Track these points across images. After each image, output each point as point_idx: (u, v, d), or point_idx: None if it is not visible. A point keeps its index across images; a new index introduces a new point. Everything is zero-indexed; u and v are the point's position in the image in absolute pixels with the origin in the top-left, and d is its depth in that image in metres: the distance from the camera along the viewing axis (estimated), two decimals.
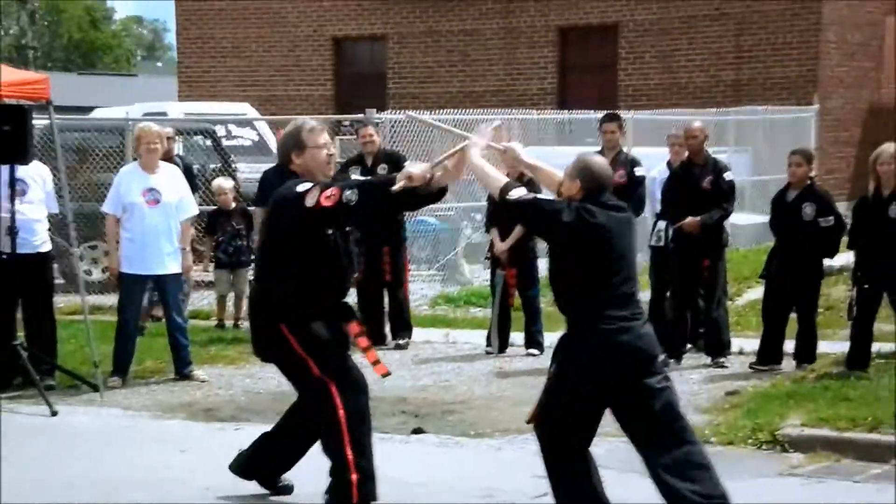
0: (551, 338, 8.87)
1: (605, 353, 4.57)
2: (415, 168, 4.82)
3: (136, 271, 8.11)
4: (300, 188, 4.87)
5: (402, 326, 9.73)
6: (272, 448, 5.37)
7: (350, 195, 4.74)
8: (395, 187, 4.73)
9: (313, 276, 4.93)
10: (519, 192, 4.67)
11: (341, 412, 4.91)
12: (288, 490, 5.43)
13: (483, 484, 5.60)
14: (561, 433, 4.75)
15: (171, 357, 8.33)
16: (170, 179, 8.25)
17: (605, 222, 4.62)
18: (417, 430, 6.82)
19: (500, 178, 4.80)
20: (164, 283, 8.21)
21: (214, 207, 11.00)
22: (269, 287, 5.00)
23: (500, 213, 8.30)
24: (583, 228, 4.59)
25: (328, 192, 4.78)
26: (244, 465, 5.41)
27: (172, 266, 8.17)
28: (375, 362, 5.15)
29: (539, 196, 4.83)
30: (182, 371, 8.25)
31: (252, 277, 10.90)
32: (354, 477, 4.91)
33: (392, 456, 6.23)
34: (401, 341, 9.61)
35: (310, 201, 4.78)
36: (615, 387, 4.63)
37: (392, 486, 5.39)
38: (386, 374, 5.21)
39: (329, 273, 4.99)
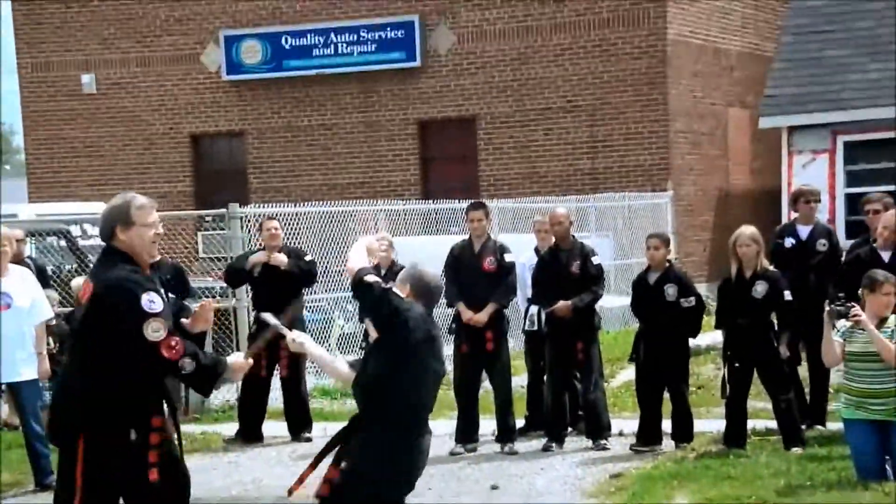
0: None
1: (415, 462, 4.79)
2: (237, 360, 4.88)
3: None
4: (146, 304, 4.59)
5: (306, 422, 9.48)
6: None
7: (187, 364, 4.62)
8: (224, 375, 4.77)
9: (125, 375, 4.67)
10: (374, 278, 4.90)
11: None
12: None
13: None
14: None
15: (31, 468, 7.83)
16: (20, 282, 7.94)
17: (425, 336, 4.78)
18: None
19: (360, 262, 4.98)
20: (18, 391, 7.79)
21: (71, 309, 10.50)
22: (74, 382, 4.75)
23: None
24: (420, 335, 4.75)
25: (173, 342, 4.60)
26: None
27: (27, 372, 7.80)
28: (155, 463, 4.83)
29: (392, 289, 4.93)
30: (43, 482, 7.76)
31: None
32: None
33: None
34: (307, 434, 9.36)
35: (151, 334, 4.58)
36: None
37: None
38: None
39: (140, 373, 4.74)
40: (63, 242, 12.93)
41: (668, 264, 8.58)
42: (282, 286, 9.19)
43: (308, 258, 9.81)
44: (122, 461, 4.72)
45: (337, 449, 4.91)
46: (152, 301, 4.61)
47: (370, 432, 4.75)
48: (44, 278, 10.44)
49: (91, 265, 12.80)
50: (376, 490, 4.73)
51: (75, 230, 13.73)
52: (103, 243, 4.86)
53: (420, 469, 4.86)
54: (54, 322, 9.60)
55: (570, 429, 8.90)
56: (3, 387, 8.07)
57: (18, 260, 10.25)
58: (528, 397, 9.35)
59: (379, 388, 4.73)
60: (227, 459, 8.69)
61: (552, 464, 8.11)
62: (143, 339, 4.58)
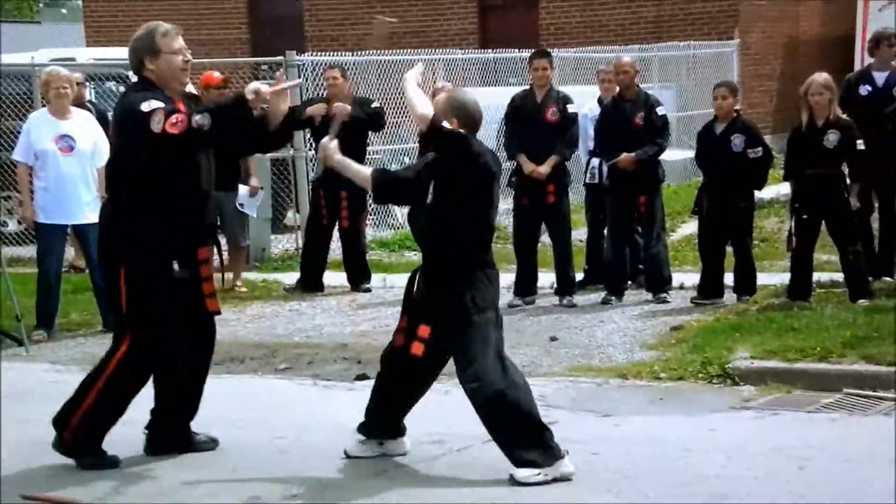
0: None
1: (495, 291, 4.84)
2: (260, 84, 4.70)
3: (54, 220, 7.79)
4: (144, 106, 4.59)
5: (364, 273, 9.50)
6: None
7: (201, 119, 4.51)
8: (254, 110, 4.60)
9: (168, 201, 4.73)
10: (447, 124, 4.76)
11: (113, 363, 4.86)
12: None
13: (432, 429, 5.46)
14: None
15: (98, 309, 7.99)
16: (83, 125, 7.92)
17: (497, 171, 4.87)
18: (361, 377, 6.62)
19: (427, 106, 4.80)
20: (85, 233, 7.86)
21: None
22: (118, 210, 4.81)
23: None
24: (497, 170, 4.85)
25: (174, 118, 4.52)
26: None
27: (92, 215, 7.82)
28: (211, 294, 4.96)
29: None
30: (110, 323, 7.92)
31: None
32: (74, 421, 4.91)
33: (336, 402, 6.09)
34: (366, 285, 9.39)
35: (154, 126, 4.53)
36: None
37: (339, 433, 5.24)
38: (216, 312, 5.02)
39: (188, 197, 4.78)
40: (121, 88, 12.88)
41: (735, 114, 8.36)
42: (345, 134, 9.06)
43: (375, 105, 9.67)
44: (168, 294, 4.75)
45: (408, 304, 4.93)
46: (150, 104, 4.58)
47: (449, 272, 4.76)
48: (104, 123, 10.44)
49: None
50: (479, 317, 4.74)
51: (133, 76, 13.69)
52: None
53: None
54: None
55: (629, 282, 8.85)
56: (69, 229, 8.15)
57: (79, 104, 10.25)
58: (587, 251, 9.28)
59: (459, 225, 4.74)
60: (289, 307, 8.79)
61: (611, 316, 8.10)
62: (154, 137, 4.53)
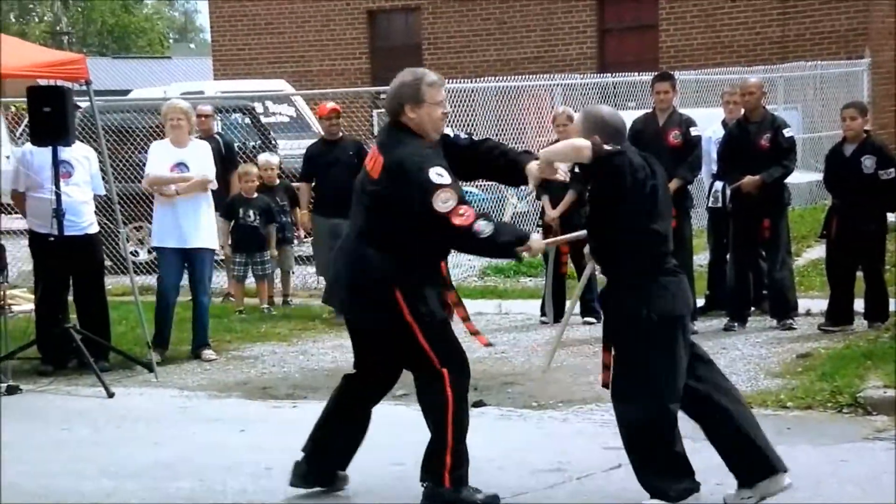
0: None
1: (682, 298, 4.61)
2: (535, 246, 4.73)
3: (169, 245, 8.02)
4: (434, 177, 4.53)
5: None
6: (329, 443, 5.04)
7: (484, 227, 4.53)
8: (518, 249, 4.64)
9: (424, 241, 4.68)
10: (606, 146, 4.50)
11: (450, 397, 4.71)
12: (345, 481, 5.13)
13: (552, 457, 5.42)
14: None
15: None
16: (199, 155, 8.15)
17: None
18: (478, 403, 6.61)
19: (583, 140, 4.55)
20: (194, 259, 8.07)
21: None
22: (380, 249, 4.67)
23: (550, 181, 8.04)
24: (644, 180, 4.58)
25: (463, 209, 4.52)
26: (305, 475, 5.04)
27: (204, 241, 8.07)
28: (475, 333, 4.94)
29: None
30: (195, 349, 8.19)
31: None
32: (449, 461, 4.70)
33: None
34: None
35: (440, 205, 4.52)
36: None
37: None
38: (489, 345, 5.03)
39: (438, 239, 4.71)
40: (247, 119, 13.23)
41: (865, 135, 8.12)
42: None
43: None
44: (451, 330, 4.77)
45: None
46: (440, 174, 4.57)
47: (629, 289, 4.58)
48: (231, 154, 10.75)
49: (272, 141, 13.19)
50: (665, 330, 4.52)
51: (258, 107, 14.04)
52: (390, 118, 4.77)
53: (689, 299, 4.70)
54: (255, 196, 9.93)
55: (753, 308, 8.65)
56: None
57: (208, 136, 10.59)
58: (709, 276, 9.12)
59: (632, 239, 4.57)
60: None
61: (734, 343, 7.92)
62: (434, 212, 4.53)
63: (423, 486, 4.80)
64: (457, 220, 4.52)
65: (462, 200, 4.55)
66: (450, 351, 4.76)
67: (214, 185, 8.23)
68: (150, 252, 11.06)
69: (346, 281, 4.77)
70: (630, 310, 4.52)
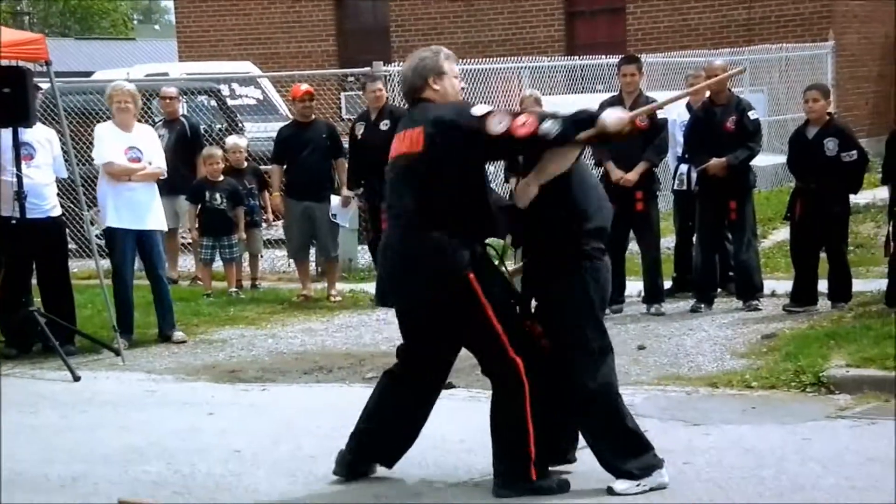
0: None
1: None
2: (610, 119, 4.48)
3: (124, 225, 7.95)
4: (476, 111, 4.51)
5: None
6: (380, 439, 4.96)
7: (550, 127, 4.42)
8: (583, 135, 4.48)
9: (475, 217, 4.57)
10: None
11: (526, 388, 4.59)
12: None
13: None
14: None
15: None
16: (149, 140, 8.12)
17: None
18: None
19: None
20: (147, 238, 8.03)
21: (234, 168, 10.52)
22: (442, 228, 4.50)
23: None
24: None
25: (521, 119, 4.43)
26: (351, 466, 4.98)
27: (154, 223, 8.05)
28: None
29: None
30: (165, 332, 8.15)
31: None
32: (533, 451, 4.62)
33: None
34: None
35: (496, 127, 4.42)
36: None
37: (427, 442, 5.23)
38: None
39: (484, 212, 4.60)
40: (213, 102, 13.13)
41: (828, 117, 8.18)
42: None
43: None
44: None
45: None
46: (480, 108, 4.53)
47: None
48: (197, 137, 10.66)
49: (239, 124, 13.05)
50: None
51: (224, 90, 13.94)
52: (409, 98, 4.75)
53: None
54: (221, 179, 9.86)
55: (719, 290, 8.72)
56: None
57: (173, 118, 10.50)
58: (675, 258, 9.18)
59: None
60: (376, 317, 8.86)
61: (701, 324, 7.99)
62: (495, 140, 4.42)
63: (495, 480, 4.69)
64: (521, 132, 4.43)
65: (514, 114, 4.49)
66: (519, 337, 4.65)
67: (164, 175, 8.21)
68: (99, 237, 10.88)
69: (418, 271, 4.57)
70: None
